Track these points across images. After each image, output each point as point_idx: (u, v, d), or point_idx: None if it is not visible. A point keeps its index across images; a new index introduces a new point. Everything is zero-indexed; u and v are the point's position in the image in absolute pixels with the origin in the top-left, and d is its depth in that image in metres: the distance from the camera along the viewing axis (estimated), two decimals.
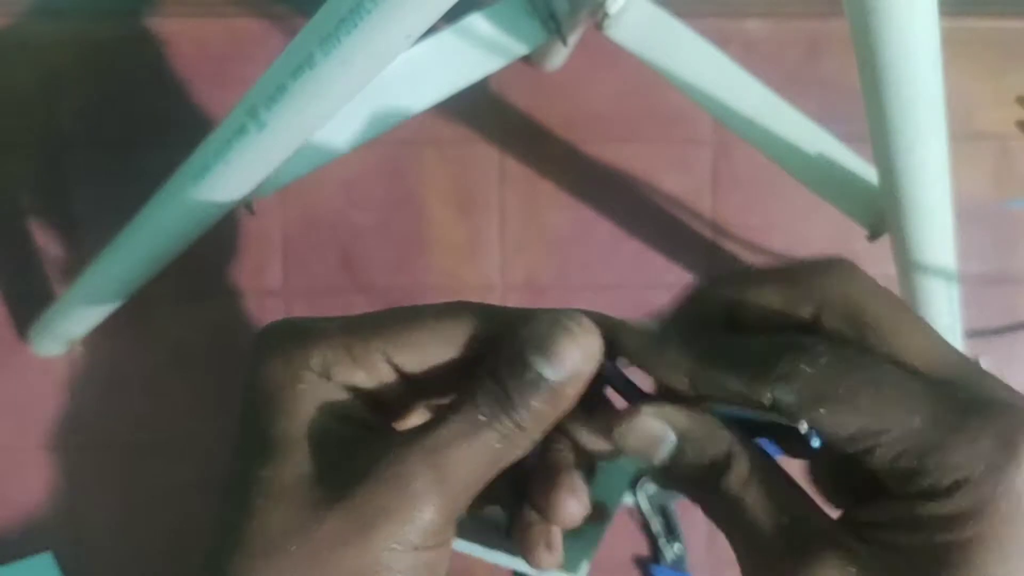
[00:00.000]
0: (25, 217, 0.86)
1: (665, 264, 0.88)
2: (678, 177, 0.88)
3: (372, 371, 0.27)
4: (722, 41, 0.65)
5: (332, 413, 0.26)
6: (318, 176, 0.63)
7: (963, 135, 0.87)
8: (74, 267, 0.85)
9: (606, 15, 0.61)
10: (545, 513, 0.28)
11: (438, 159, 0.87)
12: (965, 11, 0.86)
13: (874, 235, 0.62)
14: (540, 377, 0.25)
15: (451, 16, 0.49)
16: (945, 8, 0.43)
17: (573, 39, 0.68)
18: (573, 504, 0.27)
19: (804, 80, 0.86)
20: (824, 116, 0.66)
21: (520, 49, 0.63)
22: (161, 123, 0.86)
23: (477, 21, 0.62)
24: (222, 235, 0.85)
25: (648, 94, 0.86)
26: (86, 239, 0.86)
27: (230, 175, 0.54)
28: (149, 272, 0.67)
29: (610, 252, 0.88)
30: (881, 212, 0.60)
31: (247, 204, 0.61)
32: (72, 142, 0.86)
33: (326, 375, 0.26)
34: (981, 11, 0.87)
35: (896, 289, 0.68)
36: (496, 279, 0.88)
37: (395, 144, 0.85)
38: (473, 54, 0.62)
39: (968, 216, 0.75)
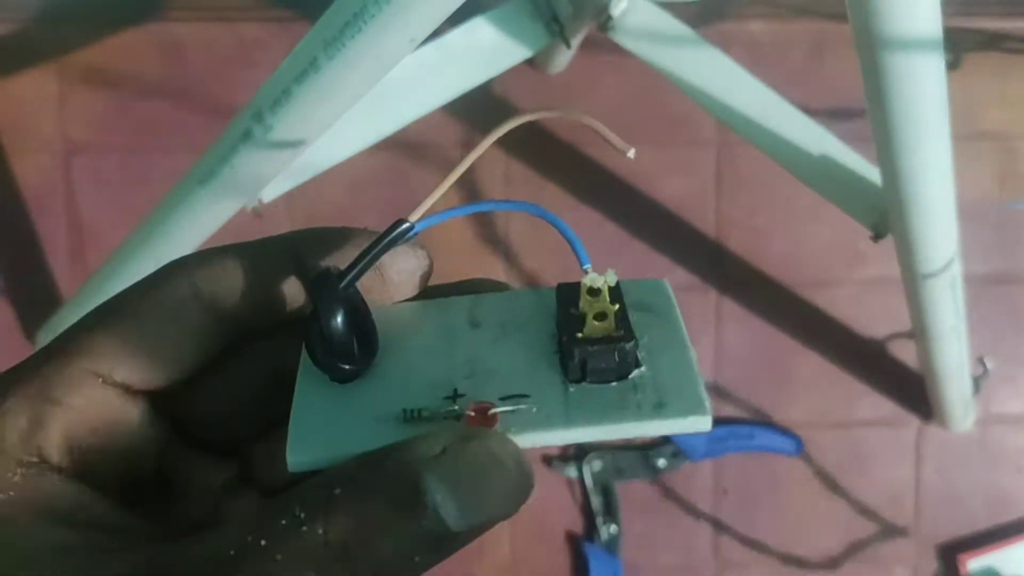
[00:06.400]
0: (34, 221, 0.86)
1: (669, 265, 0.88)
2: (682, 179, 0.88)
3: (95, 408, 0.19)
4: (725, 43, 0.65)
5: (57, 522, 0.18)
6: (324, 179, 0.64)
7: (967, 135, 0.87)
8: (82, 271, 0.86)
9: (609, 18, 0.61)
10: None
11: (442, 162, 0.87)
12: (968, 11, 0.86)
13: (878, 236, 0.62)
14: (441, 525, 0.17)
15: (455, 19, 0.49)
16: (948, 8, 0.43)
17: (576, 42, 0.68)
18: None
19: (807, 81, 0.86)
20: (827, 117, 0.66)
21: (524, 52, 0.63)
22: (167, 127, 0.86)
23: (481, 24, 0.62)
24: (228, 239, 0.85)
25: (652, 96, 0.87)
26: (94, 243, 0.86)
27: (236, 179, 0.54)
28: None
29: (615, 253, 0.88)
30: (885, 213, 0.60)
31: (253, 207, 0.61)
32: (80, 146, 0.86)
33: (34, 453, 0.18)
34: (984, 11, 0.87)
35: (900, 290, 0.68)
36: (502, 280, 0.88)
37: (400, 147, 0.85)
38: (477, 57, 0.62)
39: (972, 216, 0.75)
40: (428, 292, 0.24)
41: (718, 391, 0.89)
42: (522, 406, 0.20)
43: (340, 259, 0.22)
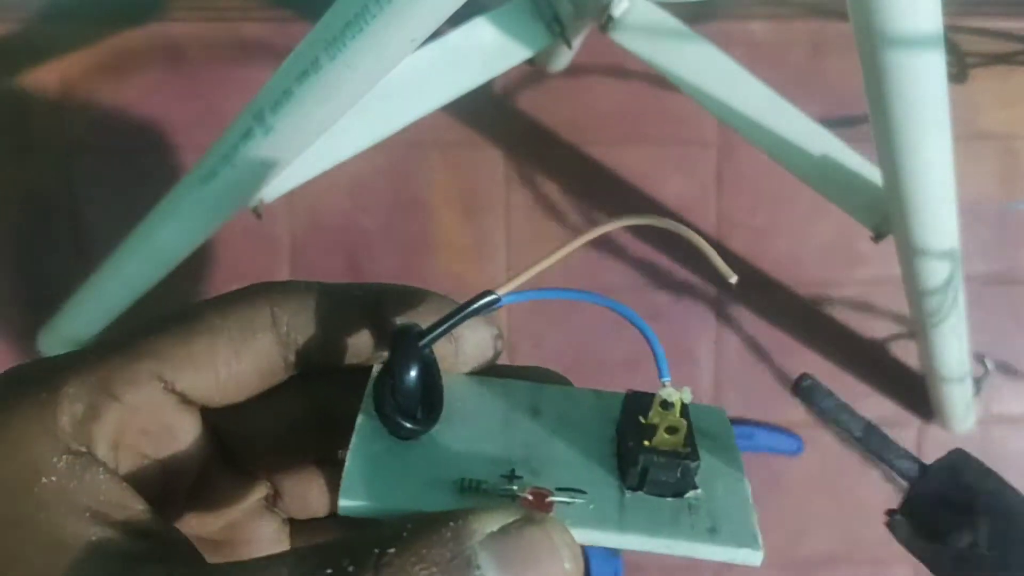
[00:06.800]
0: (35, 220, 0.86)
1: (671, 266, 0.88)
2: (683, 179, 0.88)
3: (150, 412, 0.19)
4: (726, 43, 0.65)
5: (94, 517, 0.17)
6: (325, 179, 0.64)
7: (967, 135, 0.87)
8: (83, 270, 0.86)
9: (610, 18, 0.61)
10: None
11: (444, 162, 0.87)
12: (969, 11, 0.86)
13: (879, 236, 0.62)
14: None
15: (455, 19, 0.49)
16: (948, 8, 0.43)
17: (577, 42, 0.68)
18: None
19: (808, 81, 0.86)
20: (828, 117, 0.66)
21: (525, 52, 0.63)
22: (169, 127, 0.86)
23: (482, 24, 0.62)
24: (230, 239, 0.85)
25: (652, 96, 0.87)
26: (95, 242, 0.86)
27: (237, 179, 0.54)
28: (157, 276, 0.68)
29: (616, 254, 0.88)
30: (886, 213, 0.60)
31: (254, 208, 0.61)
32: (81, 146, 0.86)
33: (83, 442, 0.18)
34: (985, 11, 0.87)
35: (900, 290, 0.68)
36: (502, 281, 0.88)
37: (401, 147, 0.85)
38: (478, 57, 0.62)
39: (973, 216, 0.75)
40: (491, 370, 0.24)
41: (718, 391, 0.89)
42: (579, 500, 0.20)
43: (416, 319, 0.22)
